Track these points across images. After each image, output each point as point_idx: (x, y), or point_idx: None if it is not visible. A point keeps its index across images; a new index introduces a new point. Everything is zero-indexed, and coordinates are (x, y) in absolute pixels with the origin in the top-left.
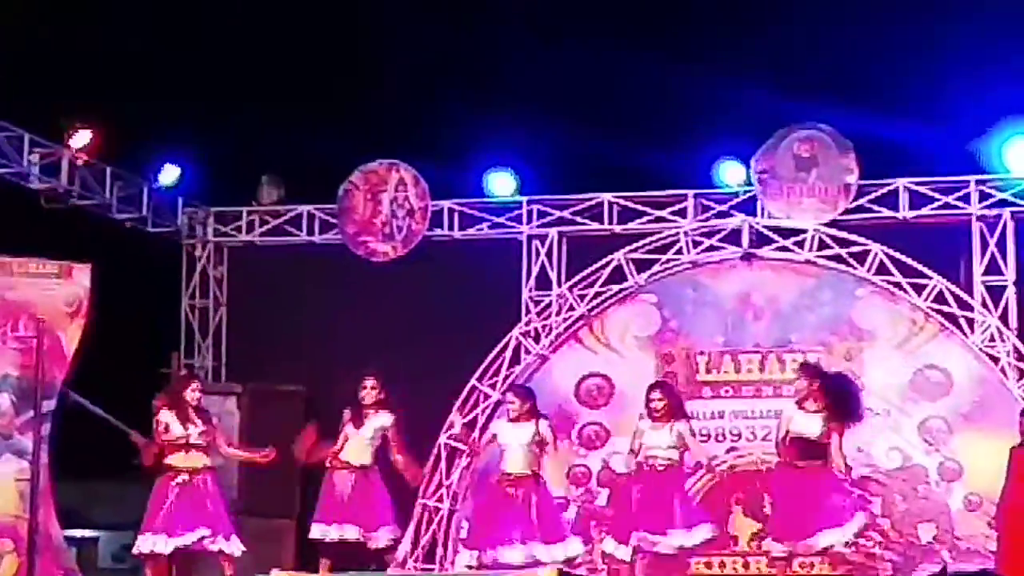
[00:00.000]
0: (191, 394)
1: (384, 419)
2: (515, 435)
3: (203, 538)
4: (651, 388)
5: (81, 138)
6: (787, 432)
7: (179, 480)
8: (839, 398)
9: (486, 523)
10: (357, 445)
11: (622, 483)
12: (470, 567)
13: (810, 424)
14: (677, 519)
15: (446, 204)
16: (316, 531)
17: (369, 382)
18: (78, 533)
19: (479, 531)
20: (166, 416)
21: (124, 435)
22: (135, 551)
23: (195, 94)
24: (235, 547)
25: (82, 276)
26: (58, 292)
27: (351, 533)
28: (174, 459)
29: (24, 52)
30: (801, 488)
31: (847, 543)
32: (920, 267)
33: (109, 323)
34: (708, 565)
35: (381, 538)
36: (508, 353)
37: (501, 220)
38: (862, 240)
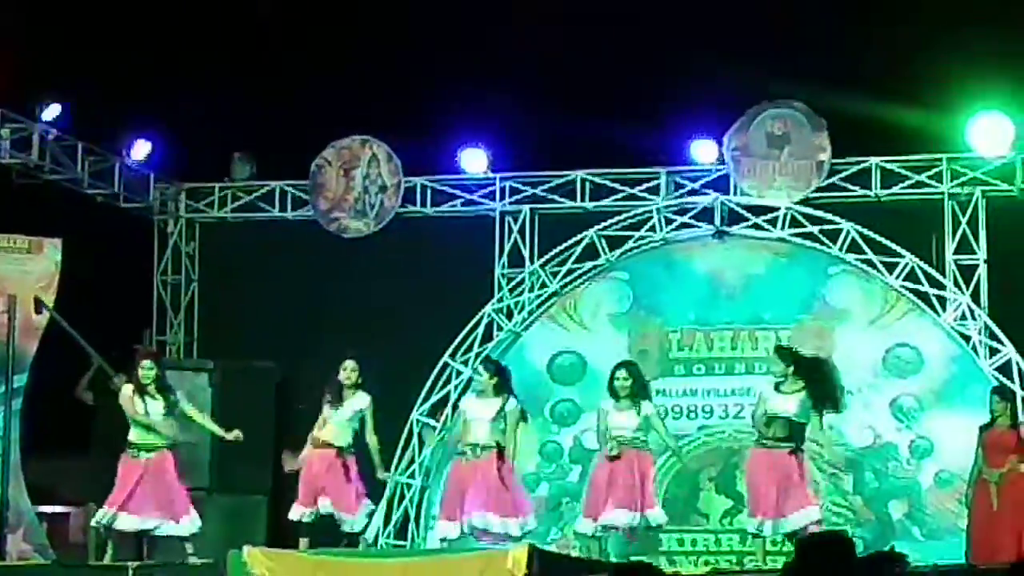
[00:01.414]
0: (145, 372)
1: (362, 400)
2: (480, 409)
3: (160, 525)
4: (616, 367)
5: (52, 113)
6: (764, 412)
7: (143, 460)
8: (816, 383)
9: (454, 495)
10: (336, 426)
11: (596, 465)
12: (444, 540)
13: (787, 404)
14: (647, 499)
15: (419, 180)
16: (295, 512)
17: (349, 364)
18: (48, 509)
19: (448, 502)
20: (127, 392)
21: (96, 365)
22: (94, 522)
23: (167, 70)
24: (191, 527)
25: (53, 251)
26: (29, 267)
27: (326, 507)
28: (135, 436)
29: None
30: (775, 468)
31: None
32: (892, 245)
33: (80, 299)
34: (680, 542)
35: (359, 520)
36: (480, 330)
37: (474, 197)
38: (835, 218)
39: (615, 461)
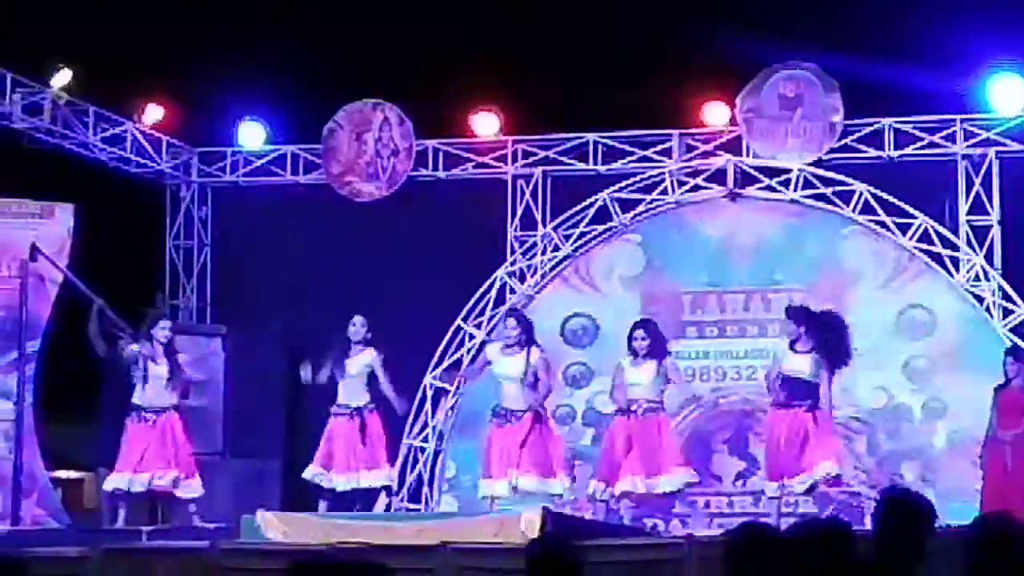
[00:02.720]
0: (160, 332)
1: (367, 356)
2: (508, 365)
3: (175, 479)
4: (635, 326)
5: (63, 77)
6: (779, 372)
7: (147, 420)
8: (827, 340)
9: (496, 455)
10: (349, 386)
11: (611, 427)
12: (487, 497)
13: (801, 364)
14: (662, 465)
15: (431, 144)
16: (309, 472)
17: (359, 319)
18: (64, 474)
19: (492, 463)
20: (134, 351)
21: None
22: (105, 488)
23: (178, 34)
24: (194, 490)
25: (65, 216)
26: (41, 232)
27: (342, 484)
28: (140, 399)
29: None
30: (792, 427)
31: (833, 477)
32: (905, 207)
33: (92, 264)
34: (691, 504)
35: (377, 479)
36: (493, 293)
37: (486, 160)
38: (847, 180)
39: (632, 422)
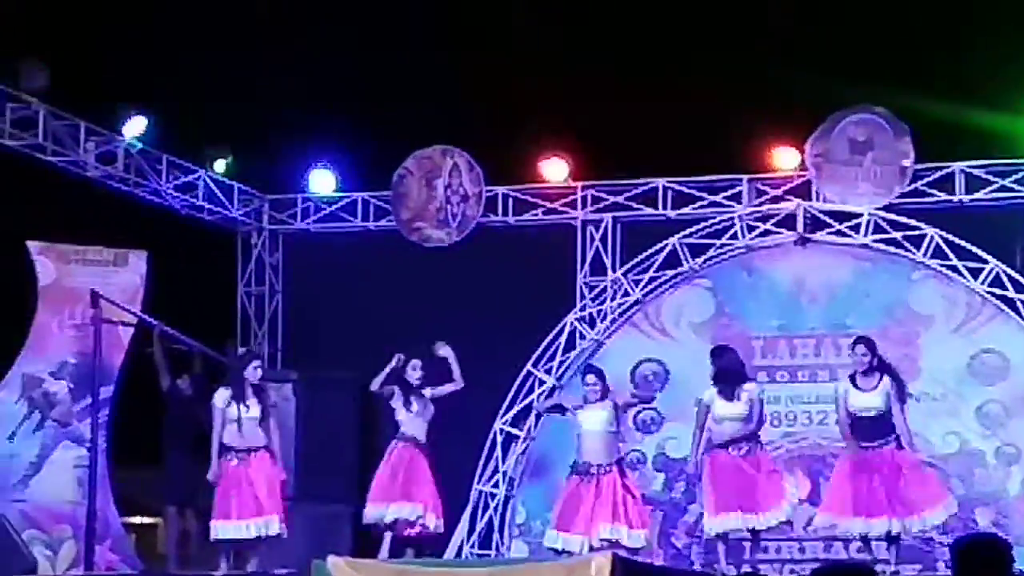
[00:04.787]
0: (252, 372)
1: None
2: (590, 419)
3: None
4: (715, 352)
5: (136, 126)
6: (847, 412)
7: (236, 463)
8: (896, 374)
9: (571, 509)
10: (414, 423)
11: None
12: (558, 549)
13: (871, 400)
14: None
15: (500, 190)
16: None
17: (417, 363)
18: (137, 520)
19: (564, 515)
20: (222, 395)
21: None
22: (212, 537)
23: (251, 83)
24: (277, 529)
25: (138, 263)
26: (114, 280)
27: (404, 512)
28: (230, 438)
29: (81, 43)
30: (874, 468)
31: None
32: (976, 251)
33: (165, 310)
34: (764, 550)
35: (429, 521)
36: (563, 339)
37: (555, 206)
38: (918, 224)
39: (736, 458)
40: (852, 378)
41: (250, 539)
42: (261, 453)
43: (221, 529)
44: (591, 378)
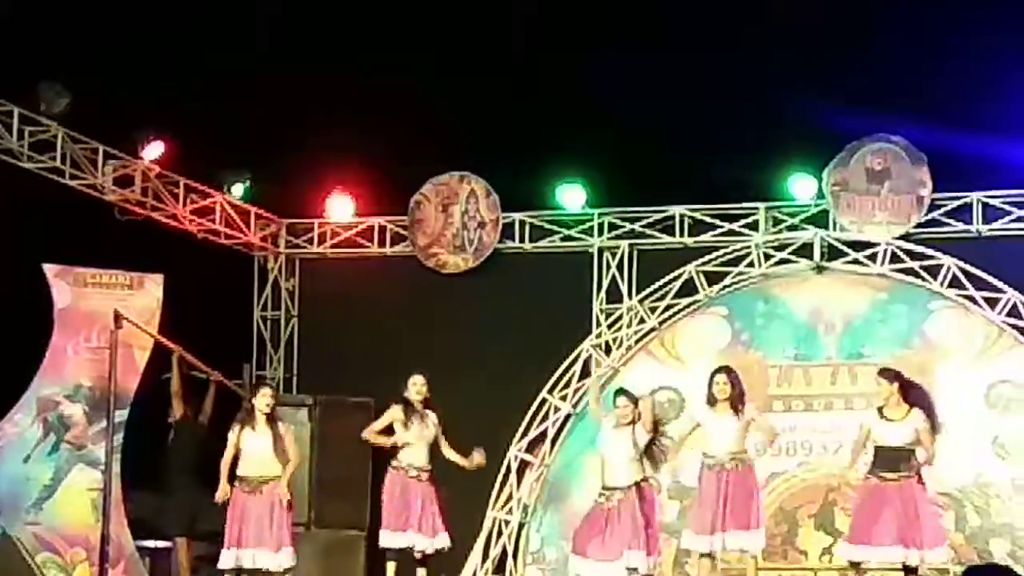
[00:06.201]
0: (263, 400)
1: (431, 417)
2: (614, 443)
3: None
4: (716, 372)
5: (154, 150)
6: (869, 443)
7: (247, 492)
8: (929, 404)
9: (592, 532)
10: (415, 447)
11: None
12: None
13: (896, 432)
14: (752, 519)
15: (517, 216)
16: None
17: (419, 379)
18: (151, 543)
19: (582, 538)
20: (235, 424)
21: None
22: (221, 566)
23: (268, 108)
24: (283, 561)
25: (154, 287)
26: (130, 303)
27: (419, 542)
28: (246, 469)
29: (97, 67)
30: (893, 499)
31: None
32: (994, 281)
33: (181, 334)
34: None
35: (438, 542)
36: (579, 366)
37: (572, 232)
38: (935, 253)
39: (723, 475)
40: (880, 410)
41: (261, 570)
42: (272, 483)
43: (231, 558)
44: (622, 400)
